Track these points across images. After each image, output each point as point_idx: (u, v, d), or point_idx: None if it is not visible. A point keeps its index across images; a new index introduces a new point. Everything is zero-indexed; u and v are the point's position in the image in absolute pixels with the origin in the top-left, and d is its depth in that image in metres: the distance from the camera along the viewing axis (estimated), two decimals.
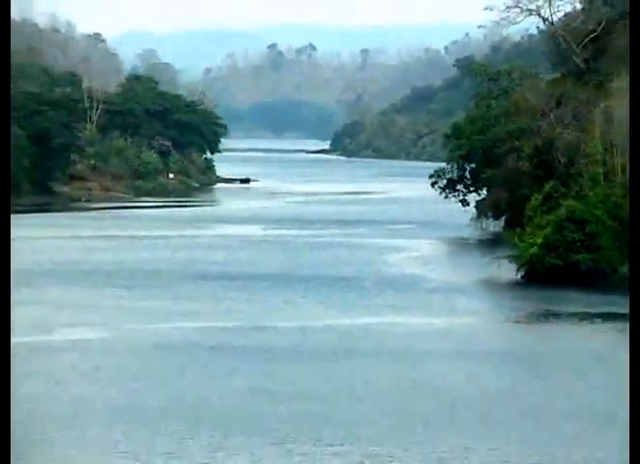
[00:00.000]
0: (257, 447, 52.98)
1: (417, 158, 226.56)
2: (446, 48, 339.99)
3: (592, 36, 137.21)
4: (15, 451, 50.66)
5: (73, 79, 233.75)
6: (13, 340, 76.01)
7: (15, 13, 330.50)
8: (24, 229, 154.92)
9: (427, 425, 58.17)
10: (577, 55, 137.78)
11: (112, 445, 53.46)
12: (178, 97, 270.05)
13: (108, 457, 51.78)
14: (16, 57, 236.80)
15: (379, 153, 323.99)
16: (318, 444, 53.63)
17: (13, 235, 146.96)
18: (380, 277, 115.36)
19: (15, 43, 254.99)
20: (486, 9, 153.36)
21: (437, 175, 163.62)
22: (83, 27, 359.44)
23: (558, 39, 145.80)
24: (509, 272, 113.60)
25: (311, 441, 54.27)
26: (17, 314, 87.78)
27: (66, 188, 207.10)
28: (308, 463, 50.98)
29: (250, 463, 50.58)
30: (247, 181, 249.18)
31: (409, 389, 66.73)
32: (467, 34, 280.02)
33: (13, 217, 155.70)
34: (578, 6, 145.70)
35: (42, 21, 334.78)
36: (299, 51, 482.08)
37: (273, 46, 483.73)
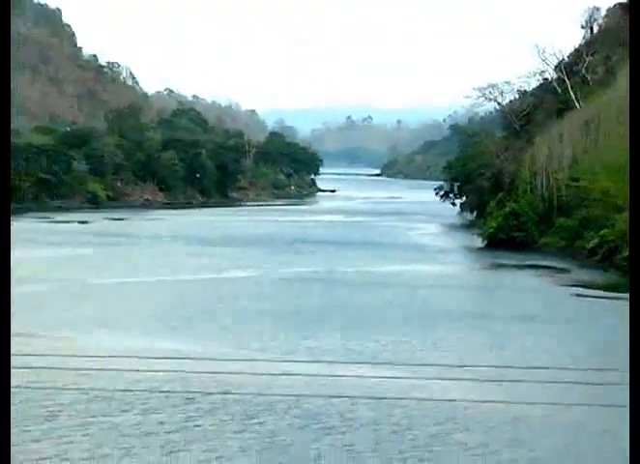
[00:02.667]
0: (327, 332, 54.05)
1: (427, 179, 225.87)
2: (444, 120, 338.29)
3: (524, 113, 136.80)
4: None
5: (239, 135, 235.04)
6: (196, 276, 78.87)
7: (209, 97, 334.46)
8: (210, 216, 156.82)
9: (423, 323, 58.88)
10: (516, 123, 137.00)
11: (250, 331, 53.93)
12: (297, 144, 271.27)
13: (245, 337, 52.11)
14: (209, 123, 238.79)
15: (406, 176, 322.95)
16: (360, 332, 54.50)
17: (204, 218, 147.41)
18: (405, 244, 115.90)
19: (209, 115, 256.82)
20: (467, 97, 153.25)
21: (438, 188, 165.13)
22: (245, 105, 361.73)
23: (505, 114, 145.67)
24: (477, 242, 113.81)
25: (357, 331, 54.97)
26: (198, 262, 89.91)
27: (235, 194, 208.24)
28: (352, 342, 51.27)
29: (325, 343, 50.75)
30: (333, 191, 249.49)
31: (417, 304, 67.07)
32: (455, 111, 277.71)
33: (205, 210, 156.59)
34: (517, 96, 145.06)
35: (222, 102, 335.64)
36: (363, 120, 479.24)
37: (349, 117, 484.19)
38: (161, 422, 34.40)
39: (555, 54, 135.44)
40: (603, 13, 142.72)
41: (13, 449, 30.92)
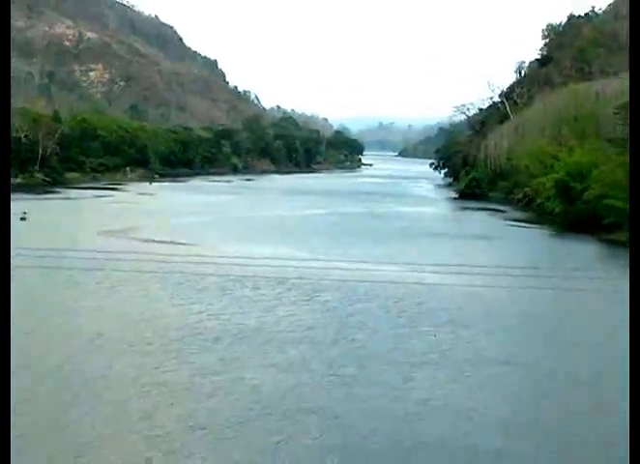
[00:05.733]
0: (364, 244, 52.39)
1: (426, 158, 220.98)
2: (435, 124, 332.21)
3: (481, 121, 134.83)
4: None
5: (317, 132, 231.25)
6: (291, 213, 77.28)
7: (300, 110, 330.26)
8: (300, 179, 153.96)
9: (418, 239, 57.61)
10: (476, 127, 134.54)
11: (318, 243, 53.03)
12: (350, 138, 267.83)
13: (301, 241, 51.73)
14: (300, 126, 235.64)
15: (413, 157, 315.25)
16: (382, 244, 53.22)
17: (297, 180, 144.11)
18: (412, 195, 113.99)
19: (300, 121, 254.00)
20: (449, 111, 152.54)
21: (432, 164, 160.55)
22: (321, 115, 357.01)
23: (471, 122, 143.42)
24: (453, 195, 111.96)
25: (380, 243, 53.56)
26: (293, 204, 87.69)
27: (315, 166, 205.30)
28: (375, 250, 49.61)
29: (361, 251, 49.23)
30: (371, 164, 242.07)
31: (417, 229, 65.50)
32: (442, 120, 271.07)
33: (297, 175, 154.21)
34: (477, 111, 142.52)
35: (308, 113, 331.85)
36: (389, 124, 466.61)
37: (380, 123, 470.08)
38: (263, 294, 34.39)
39: (499, 87, 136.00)
40: (527, 64, 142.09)
41: (179, 309, 31.28)
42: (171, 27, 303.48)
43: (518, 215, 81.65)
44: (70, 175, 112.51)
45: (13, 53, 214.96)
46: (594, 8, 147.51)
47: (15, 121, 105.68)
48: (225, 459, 17.29)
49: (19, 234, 51.85)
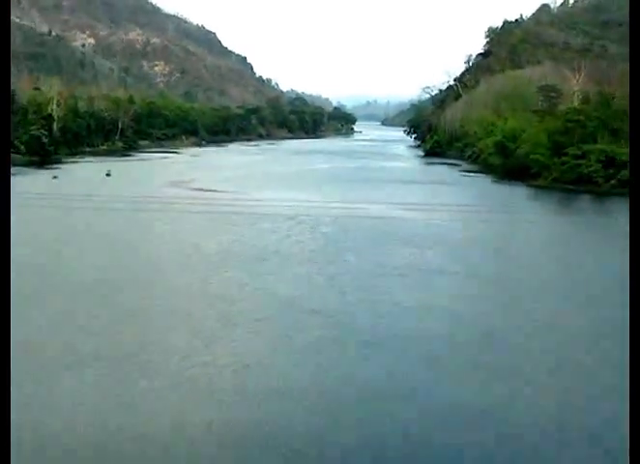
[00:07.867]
0: (355, 189, 50.09)
1: (401, 126, 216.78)
2: (407, 102, 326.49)
3: (442, 98, 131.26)
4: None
5: (321, 108, 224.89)
6: (303, 168, 73.43)
7: (309, 91, 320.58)
8: (308, 143, 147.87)
9: (394, 186, 55.45)
10: (438, 103, 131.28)
11: (323, 189, 51.38)
12: (346, 112, 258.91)
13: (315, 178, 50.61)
14: (308, 103, 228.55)
15: (392, 125, 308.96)
16: (368, 189, 51.45)
17: (307, 144, 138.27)
18: (391, 154, 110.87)
19: (308, 100, 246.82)
20: (418, 91, 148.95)
21: (405, 130, 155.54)
22: (324, 95, 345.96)
23: (434, 99, 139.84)
24: (421, 153, 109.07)
25: (368, 189, 51.53)
26: (305, 161, 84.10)
27: (320, 133, 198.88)
28: (361, 193, 47.93)
29: (352, 194, 47.78)
30: (360, 132, 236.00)
31: (394, 177, 63.07)
32: (413, 97, 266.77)
33: (306, 140, 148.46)
34: (438, 91, 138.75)
35: (314, 94, 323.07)
36: (373, 101, 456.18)
37: (367, 101, 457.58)
38: (279, 227, 33.52)
39: (454, 73, 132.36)
40: (473, 56, 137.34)
41: (218, 238, 30.57)
42: (214, 33, 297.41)
43: (469, 167, 79.82)
44: (141, 142, 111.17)
45: (99, 55, 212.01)
46: (522, 15, 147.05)
47: (101, 104, 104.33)
48: (249, 344, 16.89)
49: (106, 186, 51.10)
